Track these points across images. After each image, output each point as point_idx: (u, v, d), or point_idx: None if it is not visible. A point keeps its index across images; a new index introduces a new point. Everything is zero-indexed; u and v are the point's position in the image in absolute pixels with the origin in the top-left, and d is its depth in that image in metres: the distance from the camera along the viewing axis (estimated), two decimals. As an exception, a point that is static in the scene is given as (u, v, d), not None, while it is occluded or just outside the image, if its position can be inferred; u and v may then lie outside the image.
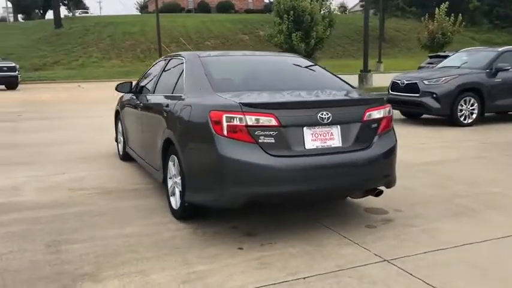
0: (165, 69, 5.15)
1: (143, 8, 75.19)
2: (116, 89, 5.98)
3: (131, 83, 6.03)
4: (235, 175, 3.41)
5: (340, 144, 3.65)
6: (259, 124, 3.42)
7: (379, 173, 3.88)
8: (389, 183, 4.01)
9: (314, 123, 3.57)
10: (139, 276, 3.06)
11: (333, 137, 3.63)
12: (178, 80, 4.50)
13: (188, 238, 3.73)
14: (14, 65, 21.54)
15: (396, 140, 4.07)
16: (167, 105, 4.26)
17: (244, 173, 3.40)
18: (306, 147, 3.54)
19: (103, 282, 2.98)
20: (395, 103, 9.38)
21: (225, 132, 3.43)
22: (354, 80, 15.86)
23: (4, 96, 18.53)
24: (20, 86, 22.56)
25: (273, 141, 3.44)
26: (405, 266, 3.18)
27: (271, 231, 3.83)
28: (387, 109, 3.97)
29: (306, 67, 4.80)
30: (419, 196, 4.81)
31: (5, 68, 20.69)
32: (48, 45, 42.29)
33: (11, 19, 66.43)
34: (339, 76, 4.64)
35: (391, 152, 3.93)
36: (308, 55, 17.23)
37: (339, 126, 3.65)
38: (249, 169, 3.38)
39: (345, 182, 3.70)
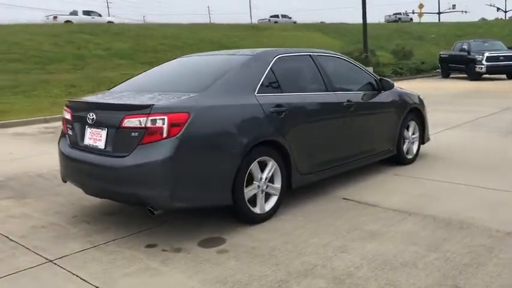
0: None
1: None
2: None
3: None
4: (59, 160, 4.33)
5: (103, 147, 3.76)
6: (66, 118, 4.24)
7: (134, 186, 3.52)
8: (153, 204, 3.51)
9: (89, 123, 3.88)
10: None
11: (101, 139, 3.79)
12: None
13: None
14: None
15: (171, 155, 3.42)
16: None
17: (59, 159, 4.30)
18: (84, 143, 3.95)
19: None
20: None
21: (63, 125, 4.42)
22: None
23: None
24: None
25: (71, 134, 4.13)
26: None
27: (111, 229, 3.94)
28: (156, 118, 3.47)
29: (221, 69, 4.27)
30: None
31: (501, 58, 20.12)
32: None
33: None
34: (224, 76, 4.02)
35: (153, 166, 3.45)
36: None
37: (106, 129, 3.76)
38: (60, 156, 4.26)
39: (98, 184, 3.82)
